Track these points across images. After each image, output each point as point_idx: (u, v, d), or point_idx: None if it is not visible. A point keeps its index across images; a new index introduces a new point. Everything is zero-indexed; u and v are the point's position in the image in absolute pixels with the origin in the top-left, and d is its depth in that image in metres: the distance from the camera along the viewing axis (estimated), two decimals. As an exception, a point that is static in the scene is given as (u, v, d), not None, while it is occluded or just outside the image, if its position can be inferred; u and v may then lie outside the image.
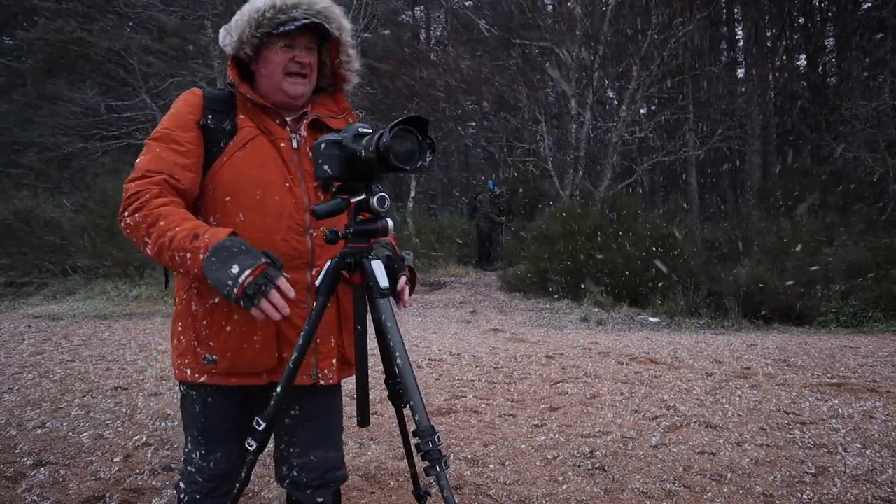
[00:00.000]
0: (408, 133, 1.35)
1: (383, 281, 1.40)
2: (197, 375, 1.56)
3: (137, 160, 1.50)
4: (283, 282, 1.33)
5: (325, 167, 1.39)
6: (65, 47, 14.77)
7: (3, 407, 3.89)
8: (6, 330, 7.28)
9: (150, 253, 1.40)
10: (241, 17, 1.54)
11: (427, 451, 1.33)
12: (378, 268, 1.41)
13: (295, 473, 1.65)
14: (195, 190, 1.52)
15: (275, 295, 1.32)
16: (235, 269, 1.30)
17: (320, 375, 1.57)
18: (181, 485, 1.65)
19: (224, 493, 1.61)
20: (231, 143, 1.53)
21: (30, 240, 11.87)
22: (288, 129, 1.58)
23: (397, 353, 1.38)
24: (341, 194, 1.42)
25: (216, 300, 1.51)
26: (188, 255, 1.34)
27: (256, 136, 1.55)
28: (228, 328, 1.52)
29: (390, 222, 1.46)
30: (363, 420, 1.54)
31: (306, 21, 1.51)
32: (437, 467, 1.33)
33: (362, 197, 1.40)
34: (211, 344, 1.53)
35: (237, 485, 1.55)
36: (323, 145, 1.40)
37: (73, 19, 14.48)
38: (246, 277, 1.30)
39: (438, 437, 1.35)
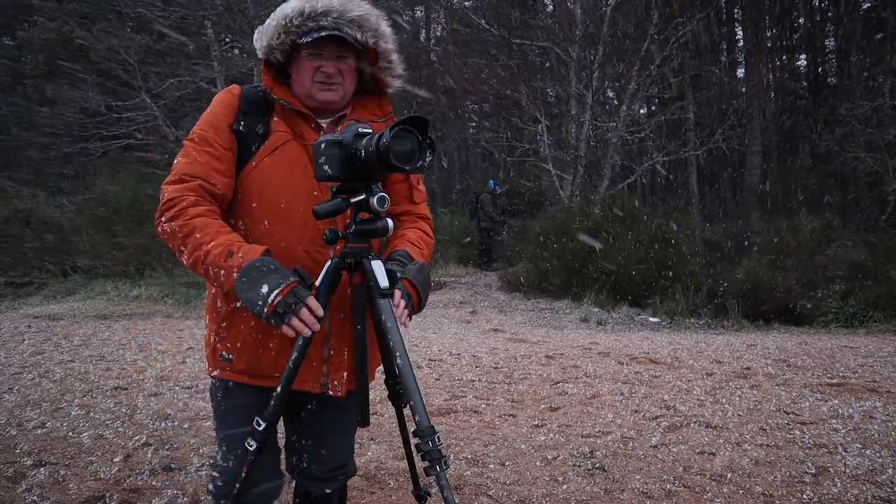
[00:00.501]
0: (408, 133, 1.35)
1: (383, 281, 1.40)
2: (210, 368, 1.61)
3: (175, 160, 1.51)
4: (312, 300, 1.35)
5: (326, 167, 1.39)
6: (65, 47, 14.77)
7: (3, 407, 3.89)
8: (6, 330, 7.27)
9: (185, 262, 1.44)
10: (272, 21, 1.52)
11: (427, 451, 1.34)
12: (378, 268, 1.41)
13: (305, 465, 1.68)
14: (229, 194, 1.52)
15: (305, 313, 1.34)
16: (265, 289, 1.32)
17: (330, 386, 1.57)
18: (210, 487, 1.65)
19: (249, 503, 1.60)
20: (262, 148, 1.52)
21: (30, 240, 11.88)
22: (322, 133, 1.55)
23: (397, 353, 1.38)
24: (341, 194, 1.42)
25: (238, 304, 1.52)
26: (222, 272, 1.37)
27: (288, 141, 1.53)
28: (246, 332, 1.54)
29: (390, 222, 1.45)
30: (363, 420, 1.55)
31: (324, 34, 1.47)
32: (437, 467, 1.33)
33: (362, 197, 1.40)
34: (228, 345, 1.56)
35: (237, 485, 1.55)
36: (323, 145, 1.39)
37: (73, 19, 14.48)
38: (275, 297, 1.32)
39: (438, 438, 1.35)
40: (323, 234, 1.43)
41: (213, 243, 1.39)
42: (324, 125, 1.58)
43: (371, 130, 1.39)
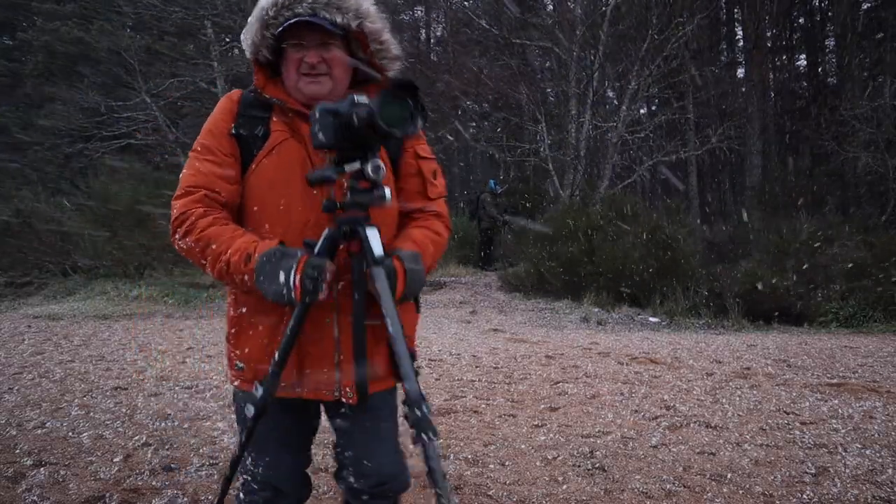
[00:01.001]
0: (397, 99, 1.32)
1: (378, 249, 1.37)
2: (232, 377, 1.58)
3: (182, 174, 1.50)
4: (330, 264, 1.36)
5: (320, 135, 1.37)
6: (65, 48, 14.78)
7: (3, 407, 3.89)
8: (6, 330, 7.28)
9: (211, 275, 1.44)
10: (252, 18, 1.48)
11: (415, 419, 1.30)
12: (373, 235, 1.38)
13: (352, 479, 1.58)
14: (236, 200, 1.50)
15: (329, 278, 1.35)
16: (282, 278, 1.32)
17: (342, 393, 1.51)
18: (241, 496, 1.62)
19: None
20: (262, 149, 1.49)
21: (30, 240, 11.88)
22: None
23: (389, 321, 1.35)
24: (337, 163, 1.40)
25: (243, 310, 1.51)
26: (246, 278, 1.38)
27: (285, 139, 1.49)
28: (254, 338, 1.51)
29: (388, 191, 1.41)
30: (361, 396, 1.49)
31: (294, 20, 1.42)
32: (426, 436, 1.29)
33: (357, 165, 1.38)
34: (238, 352, 1.54)
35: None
36: (318, 113, 1.37)
37: (71, 20, 14.49)
38: (294, 279, 1.31)
39: (428, 406, 1.31)
40: (321, 203, 1.41)
41: (230, 251, 1.38)
42: None
43: (367, 101, 1.36)
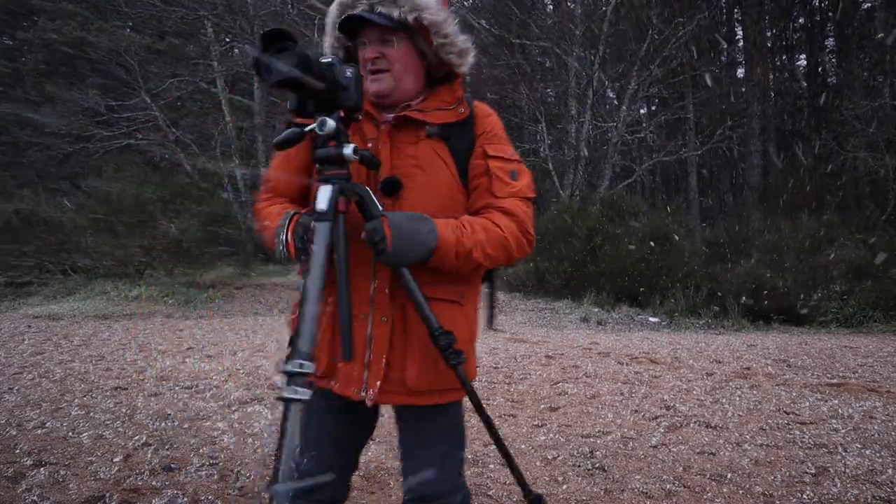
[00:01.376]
0: (285, 50, 1.28)
1: (320, 204, 1.34)
2: None
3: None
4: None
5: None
6: (65, 47, 14.79)
7: (3, 407, 3.89)
8: (6, 330, 7.28)
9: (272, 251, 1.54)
10: (327, 19, 1.51)
11: (289, 372, 1.19)
12: (322, 191, 1.36)
13: (408, 497, 1.53)
14: (295, 194, 1.58)
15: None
16: (281, 236, 1.39)
17: (366, 394, 1.46)
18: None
19: (316, 501, 1.51)
20: None
21: (30, 240, 11.89)
22: (382, 129, 1.48)
23: (308, 277, 1.30)
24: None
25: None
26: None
27: (350, 136, 1.48)
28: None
29: (347, 149, 1.35)
30: (347, 354, 1.39)
31: (344, 17, 1.43)
32: (289, 392, 1.18)
33: (314, 125, 1.37)
34: None
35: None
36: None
37: (73, 20, 14.50)
38: (287, 237, 1.38)
39: (306, 365, 1.21)
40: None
41: (270, 224, 1.47)
42: (389, 118, 1.48)
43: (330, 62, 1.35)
